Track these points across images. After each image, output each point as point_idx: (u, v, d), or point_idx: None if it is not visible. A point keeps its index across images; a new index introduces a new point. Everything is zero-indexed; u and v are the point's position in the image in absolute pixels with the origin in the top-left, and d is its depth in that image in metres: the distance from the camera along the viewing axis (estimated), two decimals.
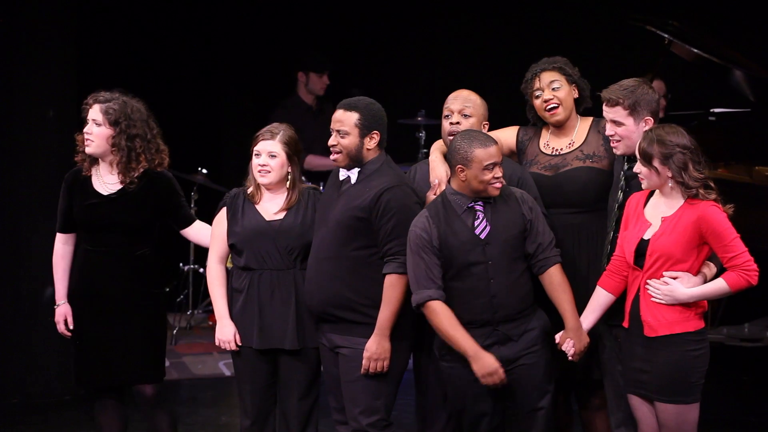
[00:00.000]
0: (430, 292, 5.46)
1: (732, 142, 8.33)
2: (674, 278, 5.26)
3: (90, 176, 5.98)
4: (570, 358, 5.52)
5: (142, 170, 5.93)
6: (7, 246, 8.02)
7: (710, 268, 5.34)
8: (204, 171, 9.60)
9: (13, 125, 7.98)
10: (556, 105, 5.88)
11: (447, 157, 5.61)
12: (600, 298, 5.52)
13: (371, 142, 5.66)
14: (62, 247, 6.06)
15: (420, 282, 5.47)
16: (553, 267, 5.57)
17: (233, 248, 5.86)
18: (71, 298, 6.02)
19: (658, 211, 5.34)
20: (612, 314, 5.55)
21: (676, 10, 8.94)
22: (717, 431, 7.18)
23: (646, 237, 5.33)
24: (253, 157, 5.84)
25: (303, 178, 6.03)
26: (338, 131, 5.67)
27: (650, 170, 5.28)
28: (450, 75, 10.00)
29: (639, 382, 5.35)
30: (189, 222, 6.07)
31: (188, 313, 9.68)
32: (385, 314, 5.57)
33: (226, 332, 5.83)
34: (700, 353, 5.29)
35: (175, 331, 9.41)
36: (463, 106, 5.79)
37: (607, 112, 5.57)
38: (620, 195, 5.61)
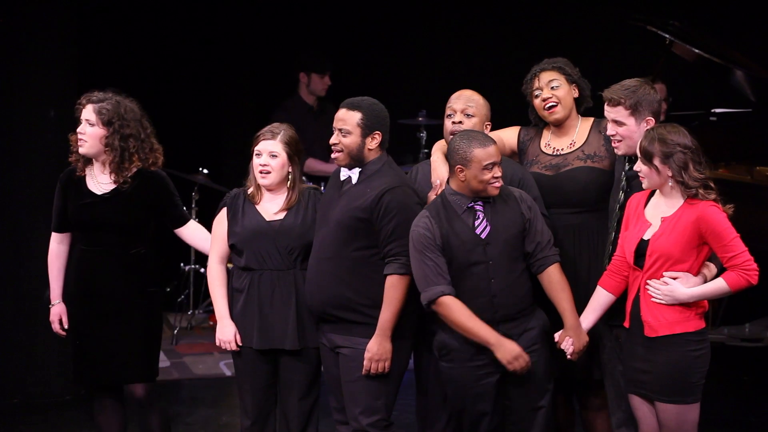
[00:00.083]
0: (442, 287, 5.46)
1: (733, 142, 8.32)
2: (674, 278, 5.26)
3: (84, 176, 5.98)
4: (569, 356, 5.52)
5: (135, 170, 5.93)
6: (7, 246, 8.03)
7: (710, 269, 5.34)
8: (205, 171, 9.60)
9: (13, 125, 7.98)
10: (554, 104, 5.89)
11: (446, 157, 5.61)
12: (600, 298, 5.53)
13: (373, 142, 5.66)
14: (57, 246, 6.06)
15: (429, 279, 5.46)
16: (552, 266, 5.57)
17: (233, 248, 5.86)
18: (67, 298, 6.02)
19: (659, 211, 5.34)
20: (613, 314, 5.55)
21: (676, 11, 8.93)
22: (717, 431, 7.18)
23: (646, 237, 5.33)
24: (254, 157, 5.84)
25: (303, 178, 6.03)
26: (340, 130, 5.67)
27: (651, 169, 5.28)
28: (451, 75, 10.00)
29: (639, 382, 5.35)
30: (183, 222, 6.06)
31: (189, 313, 9.68)
32: (386, 315, 5.57)
33: (226, 332, 5.83)
34: (701, 353, 5.29)
35: (175, 331, 9.41)
36: (465, 106, 5.80)
37: (609, 111, 5.57)
38: (621, 195, 5.61)
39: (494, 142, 5.55)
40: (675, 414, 5.28)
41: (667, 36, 7.96)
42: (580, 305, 5.59)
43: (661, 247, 5.27)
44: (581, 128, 5.95)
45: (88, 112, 5.92)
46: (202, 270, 9.32)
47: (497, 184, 5.50)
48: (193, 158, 9.78)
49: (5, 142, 8.00)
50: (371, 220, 5.59)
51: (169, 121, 9.82)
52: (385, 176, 5.64)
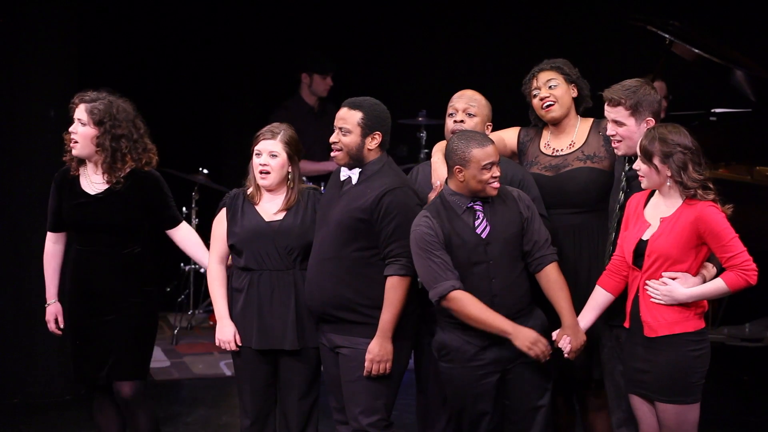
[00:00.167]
0: (452, 282, 5.45)
1: (733, 142, 8.32)
2: (673, 278, 5.27)
3: (78, 176, 5.98)
4: (566, 355, 5.52)
5: (129, 170, 5.93)
6: (7, 246, 8.03)
7: (709, 269, 5.34)
8: (205, 171, 9.60)
9: (14, 125, 7.98)
10: (551, 102, 5.89)
11: (445, 157, 5.61)
12: (599, 297, 5.53)
13: (372, 142, 5.66)
14: (53, 246, 6.07)
15: (437, 276, 5.45)
16: (550, 265, 5.57)
17: (233, 249, 5.86)
18: (64, 297, 6.02)
19: (658, 211, 5.35)
20: (613, 314, 5.55)
21: (676, 11, 8.93)
22: (717, 431, 7.18)
23: (644, 237, 5.33)
24: (254, 156, 5.84)
25: (304, 178, 6.03)
26: (341, 129, 5.68)
27: (650, 168, 5.28)
28: (451, 75, 10.00)
29: (639, 382, 5.36)
30: (174, 223, 6.05)
31: (189, 313, 9.68)
32: (387, 316, 5.57)
33: (226, 332, 5.83)
34: (701, 353, 5.29)
35: (176, 331, 9.41)
36: (467, 105, 5.80)
37: (609, 111, 5.57)
38: (621, 196, 5.61)
39: (492, 142, 5.55)
40: (675, 414, 5.28)
41: (667, 36, 7.96)
42: (581, 305, 5.58)
43: (659, 248, 5.28)
44: (580, 129, 5.96)
45: (81, 112, 5.92)
46: (202, 270, 9.32)
47: (496, 185, 5.50)
48: (193, 158, 9.79)
49: (5, 142, 8.00)
50: (371, 220, 5.59)
51: (170, 121, 9.86)
52: (386, 177, 5.64)
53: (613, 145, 5.63)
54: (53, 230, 6.06)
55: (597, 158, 5.88)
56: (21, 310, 8.01)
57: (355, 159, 5.68)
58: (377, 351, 5.57)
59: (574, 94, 5.95)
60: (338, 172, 5.78)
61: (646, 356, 5.32)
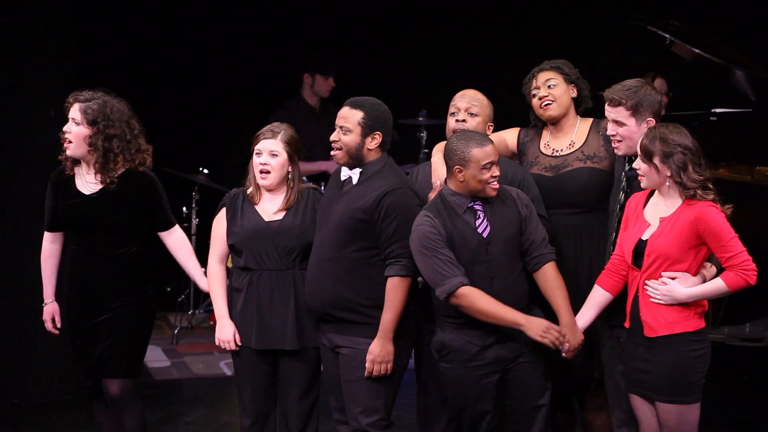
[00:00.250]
0: (459, 278, 5.44)
1: (733, 142, 8.32)
2: (673, 278, 5.26)
3: (73, 175, 5.98)
4: (564, 354, 5.51)
5: (123, 170, 5.92)
6: (8, 246, 8.02)
7: (709, 269, 5.34)
8: (205, 171, 9.60)
9: (14, 125, 7.98)
10: (550, 101, 5.90)
11: (444, 158, 5.61)
12: (597, 297, 5.53)
13: (372, 142, 5.66)
14: (50, 246, 6.07)
15: (444, 273, 5.44)
16: (548, 264, 5.57)
17: (233, 248, 5.86)
18: (62, 297, 6.02)
19: (657, 211, 5.35)
20: (614, 314, 5.55)
21: (677, 10, 8.93)
22: (718, 431, 7.18)
23: (644, 237, 5.33)
24: (254, 156, 5.84)
25: (304, 178, 6.02)
26: (341, 127, 5.68)
27: (650, 167, 5.28)
28: (451, 76, 9.99)
29: (640, 381, 5.35)
30: (166, 226, 6.03)
31: (189, 312, 9.68)
32: (388, 317, 5.57)
33: (225, 332, 5.83)
34: (701, 353, 5.29)
35: (176, 331, 9.41)
36: (470, 105, 5.81)
37: (609, 111, 5.57)
38: (621, 196, 5.61)
39: (491, 141, 5.55)
40: (675, 414, 5.28)
41: (667, 36, 7.96)
42: (582, 306, 5.58)
43: (659, 247, 5.28)
44: (580, 129, 5.96)
45: (75, 111, 5.92)
46: (203, 270, 9.32)
47: (495, 185, 5.50)
48: (193, 158, 9.79)
49: (5, 142, 8.00)
50: (372, 221, 5.59)
51: (170, 121, 9.87)
52: (386, 177, 5.64)
53: (613, 145, 5.63)
54: (50, 230, 6.06)
55: (597, 158, 5.88)
56: (21, 310, 8.00)
57: (354, 158, 5.68)
58: (378, 352, 5.57)
59: (574, 94, 5.95)
60: (339, 172, 5.78)
61: (646, 356, 5.32)
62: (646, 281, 5.31)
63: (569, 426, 6.12)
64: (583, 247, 5.84)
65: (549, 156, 5.94)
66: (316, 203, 5.83)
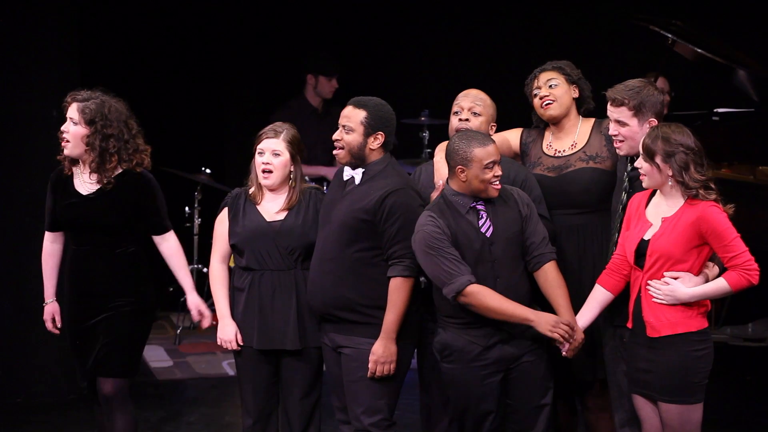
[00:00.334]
0: (467, 276, 5.44)
1: (735, 142, 8.32)
2: (675, 278, 5.26)
3: (71, 175, 5.97)
4: (564, 353, 5.51)
5: (121, 170, 5.91)
6: (10, 245, 8.03)
7: (711, 269, 5.33)
8: (208, 171, 9.60)
9: (16, 125, 7.99)
10: (551, 101, 5.90)
11: (446, 158, 5.61)
12: (598, 296, 5.52)
13: (375, 142, 5.66)
14: (50, 245, 6.07)
15: (451, 272, 5.44)
16: (548, 264, 5.57)
17: (234, 248, 5.86)
18: (62, 297, 6.02)
19: (659, 211, 5.34)
20: (616, 314, 5.55)
21: (679, 10, 8.93)
22: (721, 431, 7.18)
23: (646, 237, 5.33)
24: (256, 155, 5.84)
25: (306, 178, 6.02)
26: (344, 126, 5.68)
27: (652, 166, 5.28)
28: (454, 76, 9.98)
29: (643, 382, 5.35)
30: (159, 231, 6.00)
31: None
32: (391, 317, 5.57)
33: (227, 332, 5.83)
34: (704, 353, 5.28)
35: (178, 331, 9.41)
36: (473, 104, 5.80)
37: (612, 111, 5.57)
38: (624, 196, 5.61)
39: (493, 141, 5.55)
40: (678, 414, 5.28)
41: (669, 36, 7.95)
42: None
43: (661, 247, 5.27)
44: (582, 129, 5.96)
45: (72, 111, 5.91)
46: (205, 270, 9.33)
47: (498, 185, 5.50)
48: (195, 158, 9.78)
49: (7, 142, 8.01)
50: (374, 221, 5.59)
51: (173, 121, 9.87)
52: (389, 177, 5.64)
53: (615, 145, 5.63)
54: (51, 230, 6.06)
55: (599, 158, 5.88)
56: (24, 309, 8.01)
57: (356, 158, 5.67)
58: (381, 352, 5.57)
59: (575, 94, 5.95)
60: (341, 171, 5.77)
61: (649, 356, 5.31)
62: (649, 281, 5.31)
63: (572, 427, 6.12)
64: (586, 247, 5.84)
65: (551, 157, 5.94)
66: (318, 203, 5.83)
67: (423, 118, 9.78)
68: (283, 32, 10.52)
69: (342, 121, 5.69)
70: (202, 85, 10.43)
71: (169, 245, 6.02)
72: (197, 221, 9.57)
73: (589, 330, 5.55)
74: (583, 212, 5.86)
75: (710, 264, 5.33)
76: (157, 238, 6.01)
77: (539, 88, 5.92)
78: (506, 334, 5.53)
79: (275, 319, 5.76)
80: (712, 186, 5.27)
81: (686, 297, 5.26)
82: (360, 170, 5.69)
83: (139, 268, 5.97)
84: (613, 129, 5.59)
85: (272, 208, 5.84)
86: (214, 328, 5.95)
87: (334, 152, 5.72)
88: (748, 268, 5.22)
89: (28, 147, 7.94)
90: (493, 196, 5.53)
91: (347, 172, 5.72)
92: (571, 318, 5.50)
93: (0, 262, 8.08)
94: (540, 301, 5.61)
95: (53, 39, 8.01)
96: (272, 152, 5.80)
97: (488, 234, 5.52)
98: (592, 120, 5.98)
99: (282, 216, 5.81)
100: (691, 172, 5.24)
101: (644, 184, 5.36)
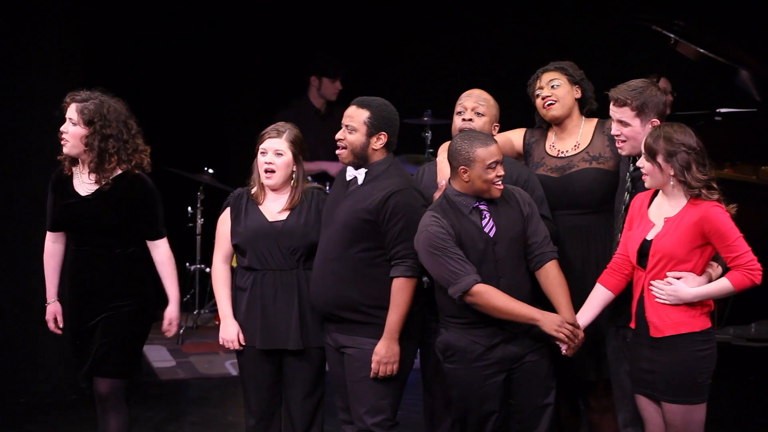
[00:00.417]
0: (473, 276, 5.44)
1: (738, 142, 8.31)
2: (678, 278, 5.26)
3: (71, 175, 5.97)
4: (564, 352, 5.51)
5: (120, 171, 5.90)
6: (13, 246, 8.03)
7: (715, 269, 5.33)
8: (210, 171, 9.60)
9: (18, 125, 7.99)
10: (553, 101, 5.90)
11: (448, 158, 5.61)
12: (599, 295, 5.52)
13: (378, 142, 5.66)
14: (52, 245, 6.07)
15: (457, 271, 5.44)
16: (550, 263, 5.57)
17: (237, 248, 5.86)
18: (64, 296, 6.02)
19: (662, 211, 5.34)
20: (619, 315, 5.54)
21: (681, 10, 8.93)
22: (724, 431, 7.18)
23: (649, 237, 5.33)
24: (259, 155, 5.84)
25: (309, 177, 6.02)
26: (347, 126, 5.68)
27: (653, 166, 5.28)
28: (456, 76, 9.97)
29: (646, 382, 5.35)
30: (152, 237, 5.97)
31: (195, 312, 9.69)
32: (394, 318, 5.56)
33: (229, 331, 5.84)
34: (707, 353, 5.28)
35: (181, 331, 9.41)
36: (476, 104, 5.80)
37: (614, 111, 5.57)
38: (627, 196, 5.61)
39: (495, 141, 5.55)
40: (681, 414, 5.27)
41: (672, 35, 7.95)
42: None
43: (664, 248, 5.27)
44: (585, 129, 5.96)
45: (72, 111, 5.91)
46: (208, 270, 9.33)
47: (500, 185, 5.50)
48: (198, 158, 9.79)
49: (9, 142, 8.01)
50: (377, 221, 5.59)
51: (175, 121, 9.87)
52: (392, 178, 5.64)
53: (617, 145, 5.63)
54: (52, 230, 6.05)
55: (602, 159, 5.88)
56: (26, 309, 8.01)
57: (359, 158, 5.67)
58: (384, 353, 5.57)
59: (578, 95, 5.95)
60: (344, 171, 5.78)
61: (652, 356, 5.31)
62: (652, 281, 5.31)
63: (575, 427, 6.12)
64: (590, 247, 5.84)
65: (554, 157, 5.94)
66: (320, 203, 5.83)
67: (426, 118, 9.79)
68: (286, 33, 10.52)
69: (345, 120, 5.69)
70: (204, 85, 10.43)
71: (160, 252, 6.00)
72: (200, 221, 9.57)
73: (591, 330, 5.55)
74: (586, 213, 5.86)
75: (713, 264, 5.33)
76: (150, 244, 6.00)
77: (542, 88, 5.93)
78: (509, 334, 5.53)
79: (277, 319, 5.76)
80: (715, 186, 5.27)
81: (689, 297, 5.25)
82: (363, 170, 5.69)
83: (139, 269, 5.97)
84: (615, 129, 5.59)
85: (274, 208, 5.84)
86: (216, 328, 5.95)
87: (337, 152, 5.72)
88: (752, 268, 5.22)
89: (30, 147, 7.94)
90: (495, 196, 5.53)
91: (350, 172, 5.72)
92: (571, 317, 5.50)
93: (1, 262, 8.08)
94: (540, 301, 5.61)
95: (55, 39, 8.02)
96: (275, 152, 5.80)
97: (491, 234, 5.52)
98: (595, 120, 5.98)
99: (284, 216, 5.81)
100: (693, 171, 5.23)
101: (646, 184, 5.36)
